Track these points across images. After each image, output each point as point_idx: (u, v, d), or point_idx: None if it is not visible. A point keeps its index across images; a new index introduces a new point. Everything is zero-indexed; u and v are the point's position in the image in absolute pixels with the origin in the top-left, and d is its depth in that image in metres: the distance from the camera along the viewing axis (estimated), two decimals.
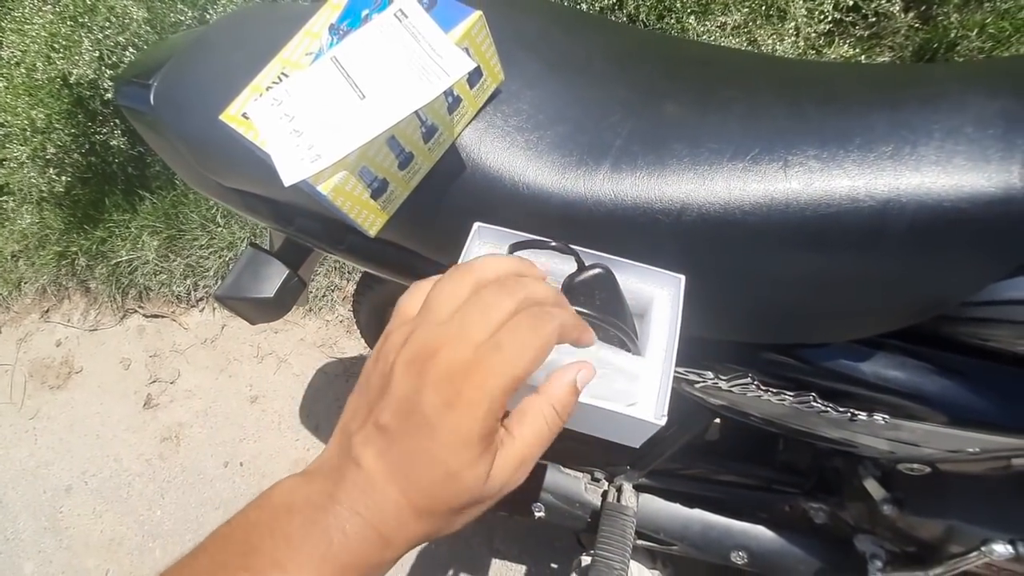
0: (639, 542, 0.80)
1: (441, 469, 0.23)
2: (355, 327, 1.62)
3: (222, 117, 0.37)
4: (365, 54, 0.36)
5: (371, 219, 0.39)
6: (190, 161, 0.55)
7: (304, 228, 0.54)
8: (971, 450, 0.50)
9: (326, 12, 0.38)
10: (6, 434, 1.79)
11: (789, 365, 0.46)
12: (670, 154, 0.40)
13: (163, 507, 1.58)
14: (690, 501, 0.78)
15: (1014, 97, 0.36)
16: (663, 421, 0.34)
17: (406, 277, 0.53)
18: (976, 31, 1.28)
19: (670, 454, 0.72)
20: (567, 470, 0.83)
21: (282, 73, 0.37)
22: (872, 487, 0.64)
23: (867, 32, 1.30)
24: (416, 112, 0.35)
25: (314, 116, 0.33)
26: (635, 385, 0.36)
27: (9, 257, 1.91)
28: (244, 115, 0.36)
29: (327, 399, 1.57)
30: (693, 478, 0.78)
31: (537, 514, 0.82)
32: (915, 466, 0.57)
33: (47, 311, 1.93)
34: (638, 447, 0.38)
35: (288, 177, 0.32)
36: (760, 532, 0.75)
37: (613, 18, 1.29)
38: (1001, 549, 0.51)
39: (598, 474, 0.81)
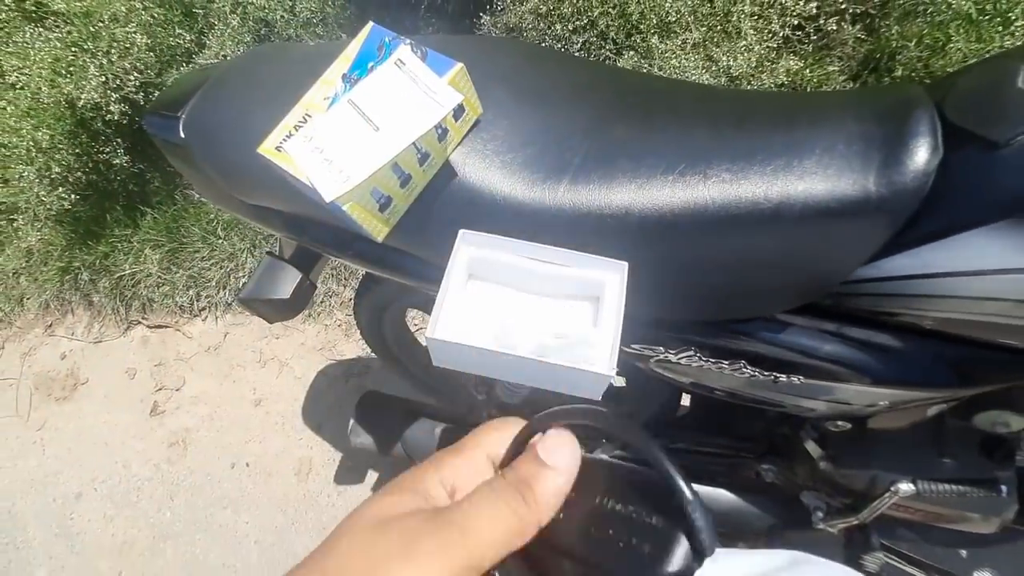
0: None
1: None
2: (352, 331, 1.71)
3: (260, 150, 0.46)
4: (375, 95, 0.46)
5: (378, 228, 0.49)
6: (217, 183, 0.64)
7: (317, 237, 0.63)
8: (882, 403, 0.60)
9: (339, 64, 0.48)
10: (13, 446, 1.84)
11: (722, 338, 0.56)
12: (617, 170, 0.50)
13: (172, 509, 1.65)
14: None
15: (873, 122, 0.46)
16: (614, 372, 0.44)
17: (404, 276, 0.63)
18: (915, 42, 1.41)
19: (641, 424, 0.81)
20: None
21: (306, 114, 0.46)
22: (811, 447, 0.74)
23: (817, 45, 1.42)
24: (414, 142, 0.45)
25: (340, 147, 0.43)
26: (592, 350, 0.46)
27: (11, 274, 1.97)
28: (278, 148, 0.45)
29: (328, 400, 1.66)
30: (661, 449, 0.88)
31: None
32: (839, 423, 0.67)
33: (51, 325, 1.99)
34: (599, 399, 0.48)
35: (328, 195, 0.42)
36: (721, 494, 0.85)
37: (585, 37, 1.40)
38: (905, 487, 0.62)
39: None
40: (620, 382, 0.44)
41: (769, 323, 0.54)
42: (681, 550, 0.22)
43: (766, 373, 0.56)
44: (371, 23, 0.49)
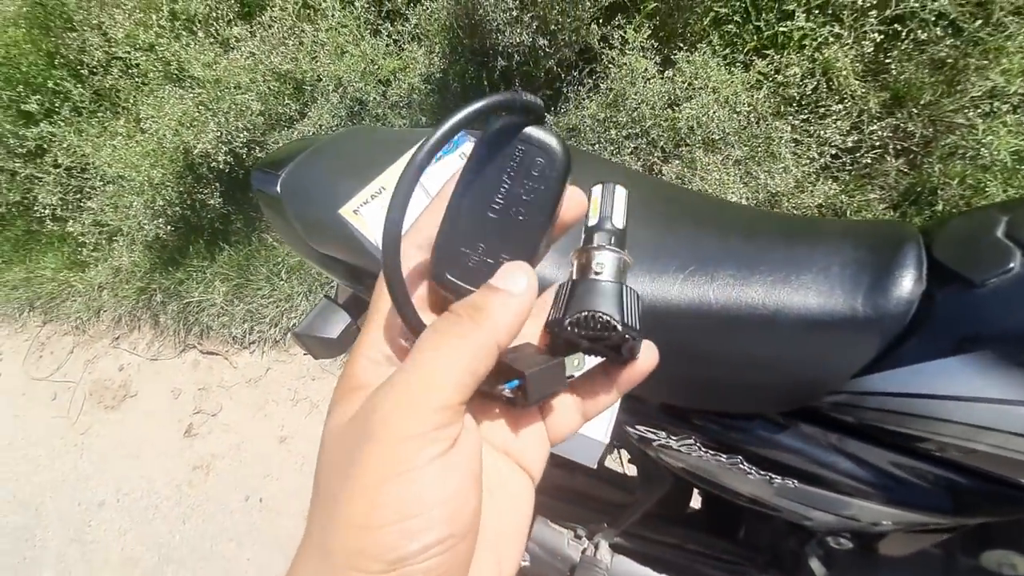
0: None
1: None
2: None
3: (340, 212, 0.57)
4: (440, 179, 0.56)
5: None
6: (298, 232, 0.75)
7: (370, 287, 0.72)
8: (885, 523, 0.61)
9: (413, 151, 0.59)
10: (56, 445, 1.97)
11: (721, 430, 0.60)
12: (635, 264, 0.57)
13: (182, 533, 1.69)
14: (660, 566, 0.87)
15: (868, 250, 0.52)
16: (607, 440, 0.48)
17: None
18: (957, 180, 1.46)
19: (642, 515, 0.82)
20: (553, 525, 0.93)
21: (382, 187, 0.57)
22: (815, 566, 0.73)
23: (858, 173, 1.50)
24: None
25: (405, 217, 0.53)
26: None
27: (96, 287, 2.19)
28: (355, 212, 0.56)
29: None
30: (664, 544, 0.88)
31: (522, 563, 0.92)
32: (842, 540, 0.67)
33: (117, 338, 2.17)
34: (595, 466, 0.52)
35: None
36: None
37: (636, 143, 1.54)
38: None
39: (580, 531, 0.91)
40: (605, 447, 0.48)
41: (766, 422, 0.57)
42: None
43: (762, 472, 0.59)
44: None
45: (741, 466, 0.60)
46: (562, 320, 0.25)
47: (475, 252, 0.25)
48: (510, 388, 0.24)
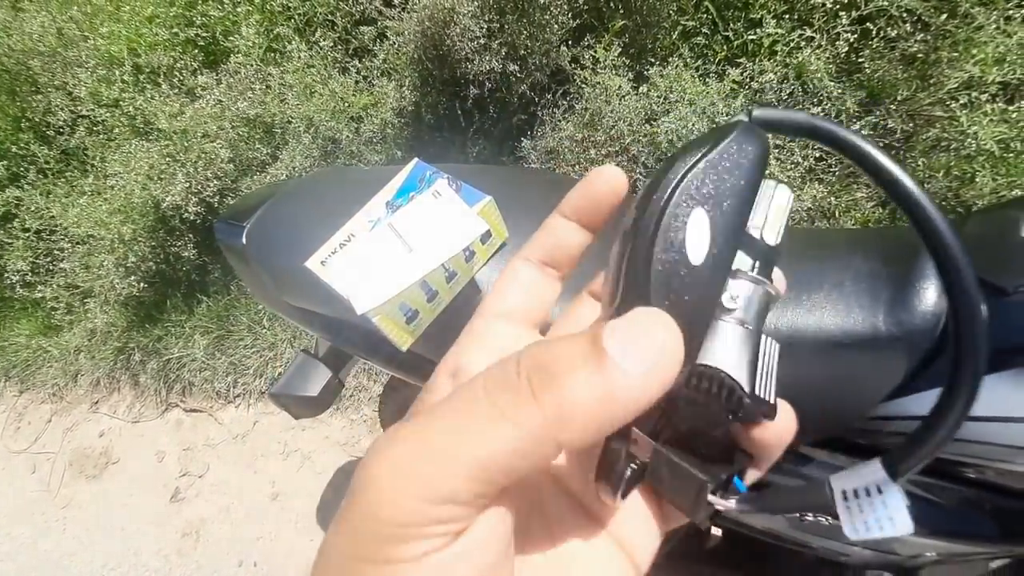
0: None
1: None
2: (377, 427, 1.71)
3: (307, 264, 0.52)
4: (413, 221, 0.51)
5: (403, 338, 0.52)
6: (268, 285, 0.70)
7: (349, 339, 0.67)
8: (928, 555, 0.55)
9: (384, 192, 0.55)
10: (38, 522, 1.86)
11: None
12: None
13: None
14: None
15: (881, 261, 0.48)
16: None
17: (424, 381, 0.65)
18: (942, 173, 1.45)
19: (665, 553, 0.76)
20: None
21: (351, 235, 0.52)
22: None
23: (843, 173, 1.48)
24: (442, 263, 0.49)
25: (377, 265, 0.48)
26: None
27: (72, 351, 2.10)
28: (323, 263, 0.51)
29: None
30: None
31: None
32: (885, 575, 0.61)
33: (96, 403, 2.08)
34: None
35: (360, 308, 0.46)
36: None
37: (617, 161, 1.51)
38: None
39: None
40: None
41: (791, 454, 0.52)
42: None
43: None
44: (416, 159, 0.56)
45: None
46: None
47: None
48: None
